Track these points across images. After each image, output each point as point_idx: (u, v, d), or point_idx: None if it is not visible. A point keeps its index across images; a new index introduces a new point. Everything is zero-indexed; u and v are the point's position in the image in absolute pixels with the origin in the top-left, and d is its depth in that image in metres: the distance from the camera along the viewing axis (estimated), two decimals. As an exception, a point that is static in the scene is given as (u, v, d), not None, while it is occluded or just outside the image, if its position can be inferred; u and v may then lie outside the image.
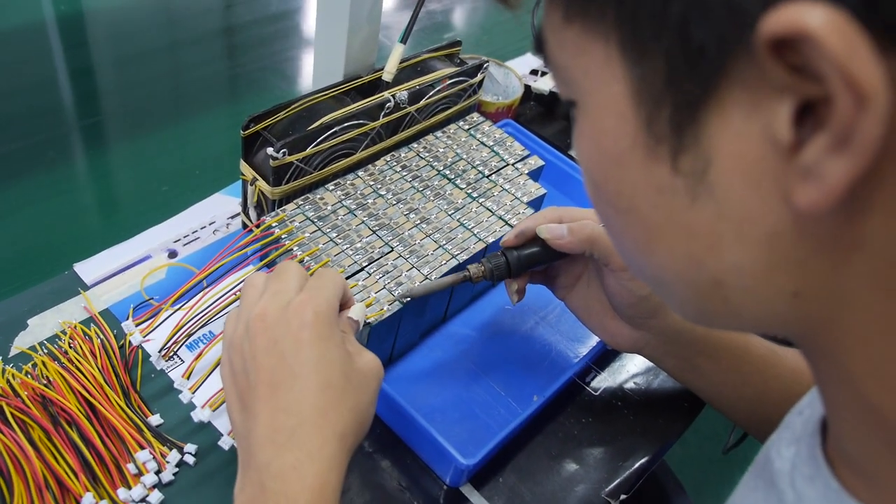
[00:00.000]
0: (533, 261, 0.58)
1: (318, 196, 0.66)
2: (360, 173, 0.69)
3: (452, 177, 0.70)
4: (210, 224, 0.73)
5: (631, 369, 0.69)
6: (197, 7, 1.38)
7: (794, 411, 0.37)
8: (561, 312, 0.71)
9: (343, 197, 0.66)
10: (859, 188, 0.22)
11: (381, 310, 0.57)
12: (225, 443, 0.54)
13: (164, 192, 0.89)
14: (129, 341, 0.61)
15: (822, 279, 0.25)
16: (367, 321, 0.56)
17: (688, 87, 0.24)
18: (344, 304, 0.50)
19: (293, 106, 0.67)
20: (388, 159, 0.71)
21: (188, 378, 0.56)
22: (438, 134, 0.75)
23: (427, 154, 0.72)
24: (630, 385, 0.67)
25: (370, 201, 0.66)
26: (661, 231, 0.28)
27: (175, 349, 0.59)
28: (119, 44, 1.23)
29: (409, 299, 0.58)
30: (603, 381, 0.67)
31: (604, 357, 0.69)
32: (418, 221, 0.65)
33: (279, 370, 0.43)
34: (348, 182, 0.68)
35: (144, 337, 0.59)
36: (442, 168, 0.71)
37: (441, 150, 0.73)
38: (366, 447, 0.59)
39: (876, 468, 0.29)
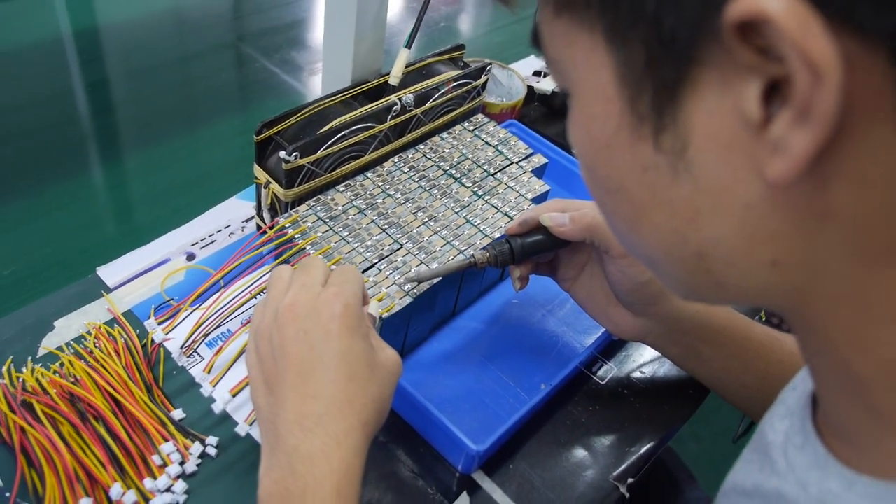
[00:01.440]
0: (536, 248, 0.60)
1: (330, 197, 0.68)
2: (370, 174, 0.71)
3: (458, 176, 0.73)
4: (226, 227, 0.76)
5: (637, 359, 0.71)
6: (208, 19, 1.41)
7: (788, 388, 0.39)
8: (567, 305, 0.73)
9: (353, 197, 0.68)
10: (824, 160, 0.24)
11: (392, 304, 0.59)
12: (241, 429, 0.56)
13: (180, 198, 0.92)
14: (152, 339, 0.63)
15: (798, 248, 0.27)
16: (380, 315, 0.58)
17: (665, 70, 0.26)
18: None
19: (304, 111, 0.69)
20: (396, 160, 0.73)
21: (209, 373, 0.59)
22: (444, 135, 0.77)
23: (433, 154, 0.75)
24: (636, 374, 0.69)
25: (379, 201, 0.69)
26: (646, 208, 0.30)
27: (195, 346, 0.61)
28: (133, 56, 1.27)
29: (416, 284, 0.60)
30: (609, 371, 0.69)
31: (610, 347, 0.71)
32: (426, 219, 0.68)
33: (308, 359, 0.45)
34: (358, 183, 0.70)
35: (166, 335, 0.62)
36: (448, 168, 0.73)
37: (447, 151, 0.75)
38: (380, 437, 0.61)
39: (859, 433, 0.31)
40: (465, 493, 0.59)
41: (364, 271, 0.62)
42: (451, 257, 0.64)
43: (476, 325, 0.70)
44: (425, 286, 0.61)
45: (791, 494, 0.33)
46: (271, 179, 0.67)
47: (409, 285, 0.61)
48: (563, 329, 0.71)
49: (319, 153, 0.67)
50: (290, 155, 0.64)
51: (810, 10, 0.22)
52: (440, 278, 0.61)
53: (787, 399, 0.38)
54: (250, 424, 0.56)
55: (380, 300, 0.59)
